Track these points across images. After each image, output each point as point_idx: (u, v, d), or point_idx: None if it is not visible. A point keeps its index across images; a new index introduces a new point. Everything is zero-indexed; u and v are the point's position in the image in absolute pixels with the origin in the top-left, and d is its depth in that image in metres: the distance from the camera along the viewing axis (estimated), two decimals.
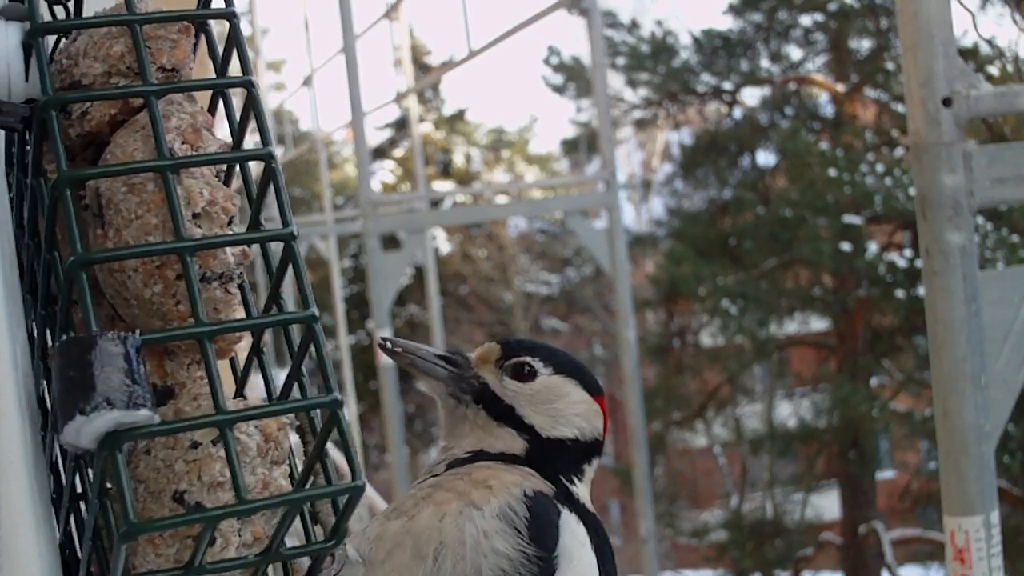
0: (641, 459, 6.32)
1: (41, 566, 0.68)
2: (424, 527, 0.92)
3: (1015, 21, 8.63)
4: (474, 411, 1.04)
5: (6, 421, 0.67)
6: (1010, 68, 8.34)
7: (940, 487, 1.98)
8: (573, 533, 0.96)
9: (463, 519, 0.92)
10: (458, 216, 11.83)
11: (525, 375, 1.04)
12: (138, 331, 0.61)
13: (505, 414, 1.03)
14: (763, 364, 12.57)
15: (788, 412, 12.58)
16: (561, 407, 1.04)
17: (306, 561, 0.74)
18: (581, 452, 1.05)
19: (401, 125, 19.94)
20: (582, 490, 1.05)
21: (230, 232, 0.69)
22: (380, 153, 21.40)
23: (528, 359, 1.04)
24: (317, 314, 0.66)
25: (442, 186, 20.03)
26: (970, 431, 1.90)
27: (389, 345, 1.02)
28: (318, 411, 0.75)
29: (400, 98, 9.31)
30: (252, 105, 0.70)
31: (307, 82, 10.46)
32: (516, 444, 1.03)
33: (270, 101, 12.35)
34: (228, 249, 0.69)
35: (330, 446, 0.73)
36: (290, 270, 0.68)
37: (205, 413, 0.65)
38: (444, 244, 20.36)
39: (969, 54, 8.55)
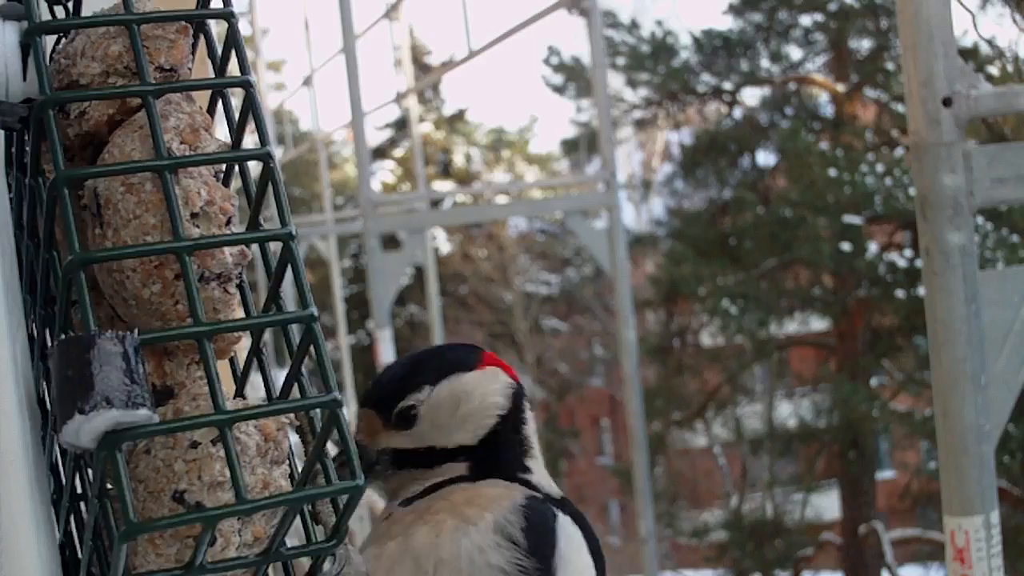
0: (641, 459, 6.32)
1: (41, 566, 0.68)
2: (421, 545, 0.91)
3: (1015, 21, 8.63)
4: (408, 473, 0.98)
5: (6, 421, 0.67)
6: (1010, 68, 8.34)
7: (940, 487, 1.98)
8: (570, 538, 0.94)
9: (459, 534, 0.90)
10: (458, 216, 11.83)
11: (412, 417, 0.97)
12: (136, 330, 0.61)
13: (430, 457, 0.98)
14: (763, 364, 12.57)
15: (788, 412, 12.59)
16: (466, 410, 0.98)
17: (308, 561, 0.75)
18: (512, 425, 1.00)
19: (401, 125, 19.96)
20: (539, 469, 1.01)
21: (228, 232, 0.69)
22: (380, 153, 21.41)
23: (402, 403, 0.97)
24: (316, 314, 0.66)
25: (442, 186, 20.03)
26: (970, 431, 1.90)
27: None
28: (318, 411, 0.75)
29: (400, 98, 9.31)
30: (250, 105, 0.70)
31: (307, 82, 10.46)
32: (458, 468, 0.98)
33: (270, 101, 12.35)
34: (227, 249, 0.69)
35: (331, 446, 0.73)
36: (289, 270, 0.68)
37: (204, 413, 0.65)
38: (444, 244, 20.37)
39: (969, 54, 8.56)
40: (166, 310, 0.68)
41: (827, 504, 12.96)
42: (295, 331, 0.69)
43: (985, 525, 1.91)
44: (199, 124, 0.70)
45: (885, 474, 14.26)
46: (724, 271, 11.47)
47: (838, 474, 11.97)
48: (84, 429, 0.58)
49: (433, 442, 0.97)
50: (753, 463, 12.70)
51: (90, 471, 0.65)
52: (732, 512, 12.35)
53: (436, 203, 14.50)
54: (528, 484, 0.98)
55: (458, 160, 22.14)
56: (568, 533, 0.95)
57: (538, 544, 0.91)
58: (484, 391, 0.99)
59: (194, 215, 0.68)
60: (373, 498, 5.60)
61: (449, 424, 0.97)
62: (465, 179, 21.49)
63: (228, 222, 0.69)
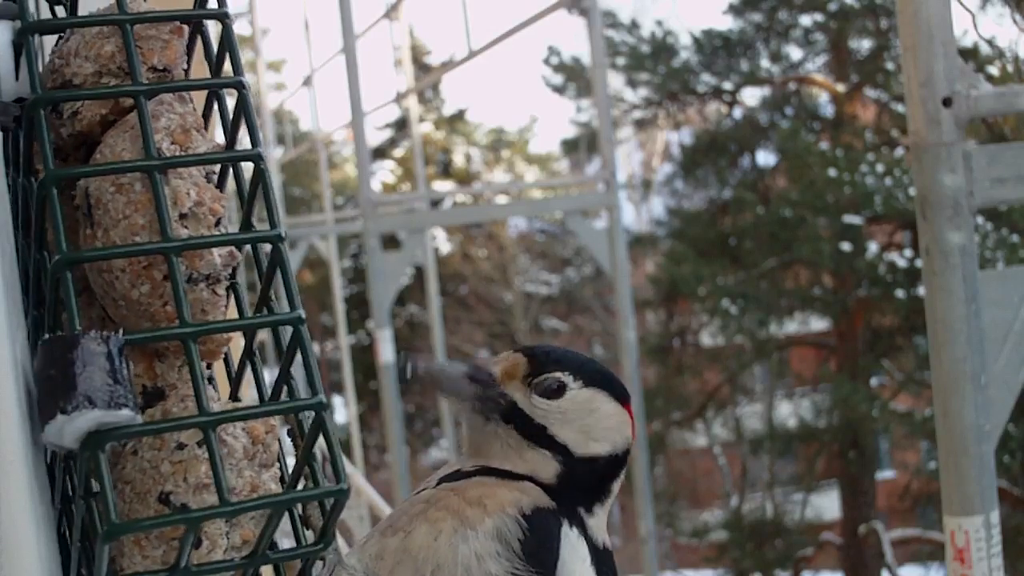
0: (641, 459, 6.32)
1: (41, 566, 0.67)
2: (420, 546, 0.90)
3: (1015, 21, 8.62)
4: (505, 430, 0.99)
5: (6, 421, 0.67)
6: (1010, 68, 8.34)
7: (940, 487, 1.98)
8: (573, 548, 0.94)
9: (457, 539, 0.90)
10: (458, 216, 11.84)
11: (554, 391, 0.99)
12: (121, 331, 0.61)
13: (536, 434, 0.99)
14: (763, 364, 12.57)
15: (788, 412, 12.59)
16: (593, 422, 1.00)
17: (298, 563, 0.74)
18: (611, 466, 1.02)
19: (401, 125, 19.96)
20: (600, 516, 1.01)
21: (218, 233, 0.69)
22: (380, 153, 21.42)
23: (558, 374, 0.99)
24: (303, 316, 0.65)
25: (442, 186, 20.04)
26: (970, 431, 1.90)
27: (412, 367, 0.96)
28: (307, 414, 0.74)
29: (400, 98, 9.31)
30: (243, 106, 0.70)
31: (307, 82, 10.47)
32: (548, 467, 0.99)
33: (270, 101, 12.35)
34: (215, 250, 0.69)
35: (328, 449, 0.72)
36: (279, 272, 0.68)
37: (192, 414, 0.65)
38: (444, 244, 20.37)
39: (969, 54, 8.56)
40: (155, 311, 0.68)
41: (827, 504, 12.96)
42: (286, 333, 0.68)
43: (985, 525, 1.90)
44: (191, 125, 0.70)
45: (885, 474, 14.26)
46: (724, 271, 11.47)
47: (838, 474, 11.97)
48: (67, 429, 0.58)
49: (549, 425, 0.98)
50: (753, 463, 12.70)
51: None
52: (732, 512, 12.35)
53: (436, 203, 14.51)
54: (578, 518, 0.98)
55: (458, 160, 22.14)
56: (572, 544, 0.94)
57: (537, 550, 0.91)
58: (619, 422, 1.01)
59: (183, 216, 0.67)
60: (373, 498, 5.58)
61: (573, 422, 0.99)
62: (465, 179, 21.49)
63: (218, 223, 0.69)
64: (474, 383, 0.98)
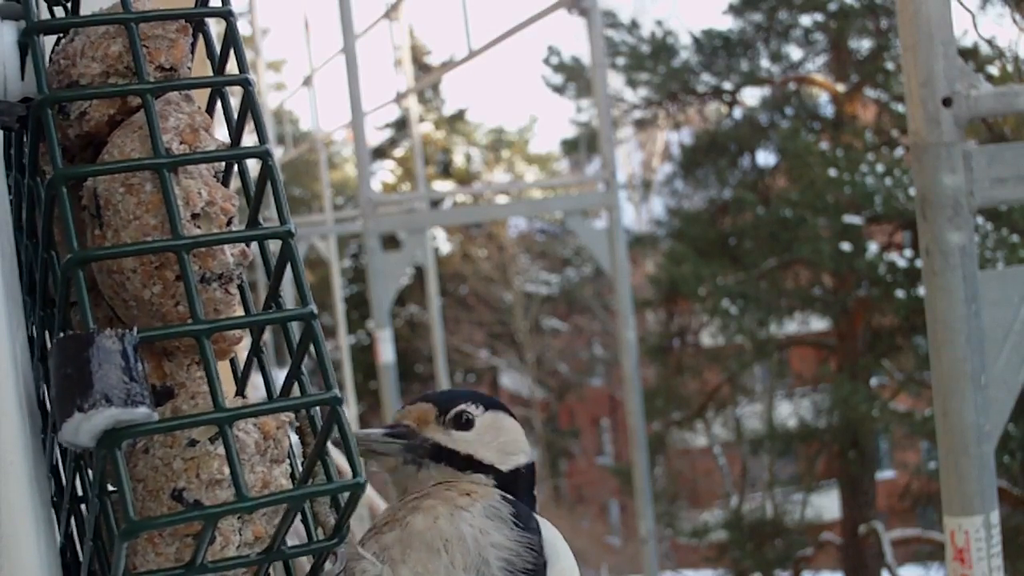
0: (641, 459, 6.31)
1: (41, 566, 0.68)
2: (423, 528, 0.96)
3: (1015, 21, 8.62)
4: (438, 468, 1.07)
5: (6, 421, 0.67)
6: (1010, 68, 8.34)
7: (940, 487, 1.98)
8: (549, 528, 1.01)
9: (456, 519, 0.97)
10: (458, 216, 11.84)
11: (467, 423, 1.09)
12: (136, 328, 0.61)
13: (466, 462, 1.07)
14: (763, 364, 12.57)
15: (788, 412, 12.59)
16: (505, 439, 1.10)
17: (308, 561, 0.74)
18: (530, 476, 1.12)
19: (401, 125, 19.96)
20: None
21: (229, 231, 0.69)
22: (380, 153, 21.42)
23: (463, 406, 1.09)
24: (315, 311, 0.65)
25: (442, 186, 20.04)
26: (970, 431, 1.90)
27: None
28: (318, 410, 0.74)
29: (400, 98, 9.31)
30: (249, 104, 0.70)
31: (307, 82, 10.46)
32: (483, 481, 1.08)
33: (270, 101, 12.35)
34: (228, 250, 0.69)
35: (330, 446, 0.72)
36: (289, 269, 0.68)
37: (203, 411, 0.65)
38: (444, 244, 20.38)
39: (969, 54, 8.56)
40: (167, 311, 0.68)
41: (827, 504, 12.96)
42: (295, 329, 0.69)
43: (985, 525, 1.91)
44: (199, 124, 0.70)
45: (885, 474, 14.25)
46: (724, 271, 11.46)
47: (838, 474, 11.97)
48: (83, 427, 0.58)
49: (473, 452, 1.08)
50: (753, 463, 12.69)
51: (90, 472, 0.65)
52: (732, 512, 12.35)
53: (436, 203, 14.51)
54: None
55: (458, 160, 22.14)
56: (547, 525, 1.01)
57: (528, 524, 0.98)
58: (520, 433, 1.12)
59: (195, 215, 0.68)
60: (373, 498, 5.59)
61: (490, 444, 1.09)
62: (465, 179, 21.49)
63: (229, 222, 0.69)
64: (397, 438, 1.07)
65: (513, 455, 1.09)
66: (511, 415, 1.12)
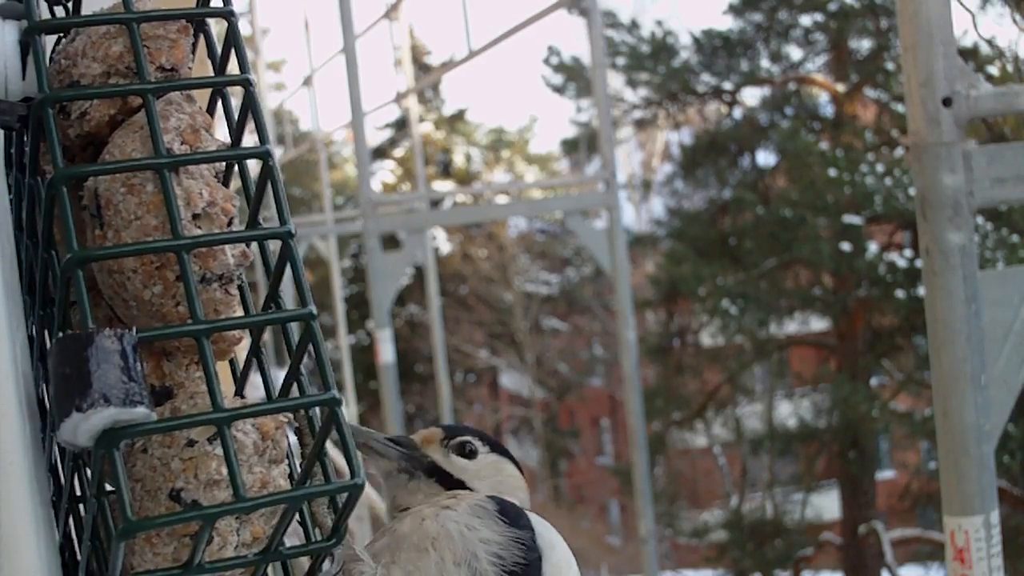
0: (641, 459, 6.31)
1: (41, 566, 0.68)
2: (409, 531, 0.98)
3: (1015, 21, 8.62)
4: (427, 483, 1.09)
5: (6, 421, 0.67)
6: (1010, 68, 8.34)
7: (940, 487, 1.98)
8: (541, 522, 1.02)
9: (442, 518, 0.98)
10: (458, 216, 11.84)
11: (468, 453, 1.12)
12: (135, 328, 0.61)
13: (456, 487, 1.10)
14: (763, 364, 12.58)
15: (788, 412, 12.59)
16: (502, 480, 1.12)
17: (306, 561, 0.74)
18: None
19: (401, 125, 19.96)
20: None
21: (230, 231, 0.69)
22: (380, 153, 21.42)
23: (469, 438, 1.12)
24: (315, 312, 0.65)
25: (442, 186, 20.04)
26: (970, 431, 1.90)
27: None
28: (317, 410, 0.75)
29: (400, 98, 9.31)
30: (249, 104, 0.70)
31: (307, 82, 10.46)
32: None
33: (270, 101, 12.35)
34: (228, 250, 0.69)
35: (329, 447, 0.72)
36: (289, 270, 0.68)
37: (202, 411, 0.65)
38: (444, 244, 20.38)
39: (969, 54, 8.56)
40: (167, 311, 0.68)
41: (827, 504, 12.96)
42: (294, 330, 0.69)
43: (985, 525, 1.91)
44: (200, 124, 0.70)
45: (885, 474, 14.26)
46: (724, 271, 11.46)
47: (838, 474, 11.97)
48: (82, 427, 0.58)
49: (466, 480, 1.10)
50: (753, 463, 12.70)
51: (88, 471, 0.65)
52: (732, 512, 12.35)
53: (436, 203, 14.50)
54: None
55: (458, 160, 22.15)
56: (541, 521, 1.02)
57: (516, 521, 0.99)
58: (517, 485, 1.14)
59: (196, 216, 0.68)
60: (373, 498, 5.58)
61: (486, 480, 1.12)
62: (465, 179, 21.50)
63: (230, 223, 0.69)
64: (398, 447, 1.10)
65: (507, 496, 1.09)
66: (518, 467, 1.14)
